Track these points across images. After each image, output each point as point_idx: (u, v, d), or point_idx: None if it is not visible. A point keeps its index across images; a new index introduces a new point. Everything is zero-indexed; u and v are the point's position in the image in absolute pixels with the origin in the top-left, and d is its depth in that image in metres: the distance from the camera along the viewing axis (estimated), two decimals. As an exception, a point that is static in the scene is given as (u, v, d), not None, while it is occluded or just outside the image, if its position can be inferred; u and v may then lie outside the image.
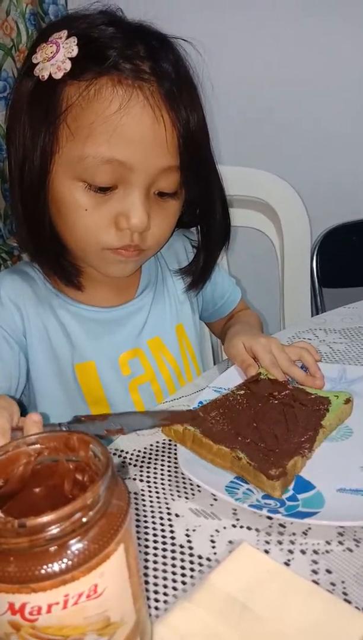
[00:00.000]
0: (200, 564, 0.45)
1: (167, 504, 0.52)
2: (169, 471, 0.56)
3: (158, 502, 0.52)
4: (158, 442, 0.60)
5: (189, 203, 0.71)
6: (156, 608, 0.41)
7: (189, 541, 0.47)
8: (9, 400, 0.51)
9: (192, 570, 0.44)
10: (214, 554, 0.46)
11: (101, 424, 0.52)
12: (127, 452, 0.59)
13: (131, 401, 0.75)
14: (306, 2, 1.31)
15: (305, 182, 1.15)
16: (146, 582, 0.43)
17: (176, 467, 0.56)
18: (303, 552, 0.45)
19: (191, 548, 0.46)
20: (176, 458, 0.57)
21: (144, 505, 0.52)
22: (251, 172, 1.09)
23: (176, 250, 0.85)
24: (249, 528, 0.48)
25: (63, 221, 0.64)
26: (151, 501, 0.52)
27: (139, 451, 0.59)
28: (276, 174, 1.09)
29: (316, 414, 0.59)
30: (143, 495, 0.53)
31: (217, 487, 0.51)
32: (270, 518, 0.49)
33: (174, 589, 0.43)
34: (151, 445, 0.60)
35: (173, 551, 0.46)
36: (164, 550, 0.46)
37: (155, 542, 0.47)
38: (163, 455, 0.58)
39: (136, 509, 0.51)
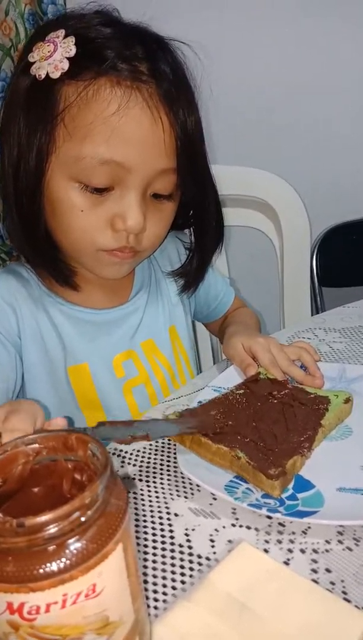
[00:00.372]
0: (199, 564, 0.45)
1: (166, 503, 0.52)
2: (168, 471, 0.56)
3: (158, 502, 0.52)
4: (157, 441, 0.60)
5: (183, 205, 0.71)
6: (156, 607, 0.41)
7: (188, 540, 0.47)
8: (34, 404, 0.49)
9: (191, 569, 0.44)
10: (214, 553, 0.46)
11: (126, 429, 0.51)
12: (126, 452, 0.59)
13: (126, 404, 0.75)
14: (305, 2, 1.31)
15: (305, 182, 1.15)
16: (146, 582, 0.43)
17: (175, 467, 0.56)
18: (302, 551, 0.45)
19: (190, 547, 0.46)
20: (175, 457, 0.57)
21: (143, 505, 0.52)
22: (251, 172, 1.09)
23: (168, 253, 0.84)
24: (248, 527, 0.48)
25: (58, 222, 0.64)
26: (150, 501, 0.52)
27: (138, 451, 0.59)
28: (275, 174, 1.09)
29: (315, 414, 0.59)
30: (142, 494, 0.53)
31: (216, 486, 0.51)
32: (269, 517, 0.49)
33: (174, 588, 0.43)
34: (151, 444, 0.60)
35: (172, 550, 0.46)
36: (164, 549, 0.46)
37: (154, 541, 0.47)
38: (162, 455, 0.58)
39: (136, 508, 0.51)
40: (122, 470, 0.56)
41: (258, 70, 1.37)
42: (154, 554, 0.46)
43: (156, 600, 0.42)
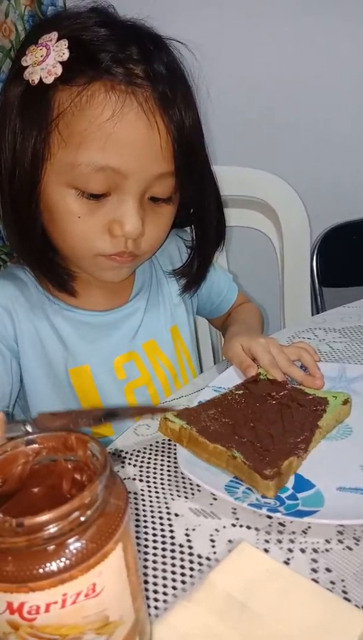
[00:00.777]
0: (200, 564, 0.45)
1: (166, 503, 0.52)
2: (168, 471, 0.56)
3: (158, 502, 0.52)
4: (157, 442, 0.60)
5: (184, 204, 0.70)
6: (156, 607, 0.41)
7: (188, 540, 0.47)
8: None
9: (192, 569, 0.44)
10: (214, 553, 0.46)
11: (66, 419, 0.49)
12: (126, 452, 0.59)
13: (128, 405, 0.75)
14: (305, 1, 1.31)
15: (305, 182, 1.15)
16: (146, 582, 0.43)
17: (175, 467, 0.56)
18: (302, 550, 0.45)
19: (190, 547, 0.46)
20: (175, 458, 0.57)
21: (144, 505, 0.52)
22: (251, 172, 1.09)
23: (169, 251, 0.84)
24: (249, 527, 0.48)
25: (56, 228, 0.63)
26: (150, 501, 0.52)
27: (138, 451, 0.59)
28: (275, 174, 1.09)
29: (313, 415, 0.59)
30: (142, 494, 0.53)
31: (217, 486, 0.51)
32: (269, 517, 0.49)
33: (174, 588, 0.43)
34: (151, 445, 0.60)
35: (172, 550, 0.46)
36: (164, 549, 0.46)
37: (155, 541, 0.47)
38: (162, 455, 0.58)
39: (136, 508, 0.51)
40: (123, 471, 0.56)
41: (257, 69, 1.37)
42: (155, 554, 0.46)
43: (156, 600, 0.42)
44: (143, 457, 0.58)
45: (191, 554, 0.46)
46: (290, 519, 0.47)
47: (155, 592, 0.42)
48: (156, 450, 0.59)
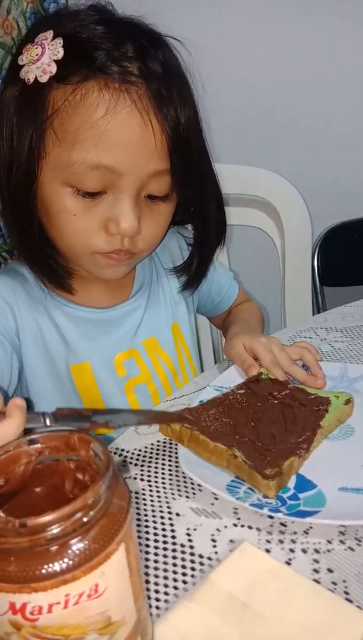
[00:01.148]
0: (201, 563, 0.45)
1: (168, 503, 0.52)
2: (170, 470, 0.56)
3: (159, 502, 0.52)
4: (158, 441, 0.60)
5: (184, 201, 0.70)
6: (157, 607, 0.41)
7: (190, 540, 0.47)
8: None
9: (193, 569, 0.44)
10: (215, 553, 0.46)
11: (86, 417, 0.50)
12: (128, 452, 0.59)
13: (128, 402, 0.75)
14: (305, 0, 1.30)
15: (306, 181, 1.14)
16: (147, 582, 0.43)
17: (177, 467, 0.56)
18: (304, 551, 0.45)
19: (192, 547, 0.46)
20: (177, 457, 0.57)
21: (145, 505, 0.52)
22: (252, 171, 1.09)
23: (170, 248, 0.84)
24: (250, 527, 0.48)
25: (53, 225, 0.63)
26: (151, 500, 0.52)
27: (140, 450, 0.59)
28: (277, 173, 1.09)
29: (315, 415, 0.59)
30: (143, 494, 0.53)
31: (218, 486, 0.51)
32: (271, 517, 0.49)
33: (175, 588, 0.43)
34: (152, 444, 0.60)
35: (173, 550, 0.46)
36: (165, 549, 0.46)
37: (156, 541, 0.47)
38: (163, 455, 0.58)
39: (137, 508, 0.51)
40: (124, 470, 0.56)
41: (257, 69, 1.37)
42: (156, 554, 0.46)
43: (157, 600, 0.42)
44: (144, 456, 0.58)
45: (192, 554, 0.46)
46: (291, 519, 0.47)
47: (156, 591, 0.42)
48: (158, 450, 0.59)
